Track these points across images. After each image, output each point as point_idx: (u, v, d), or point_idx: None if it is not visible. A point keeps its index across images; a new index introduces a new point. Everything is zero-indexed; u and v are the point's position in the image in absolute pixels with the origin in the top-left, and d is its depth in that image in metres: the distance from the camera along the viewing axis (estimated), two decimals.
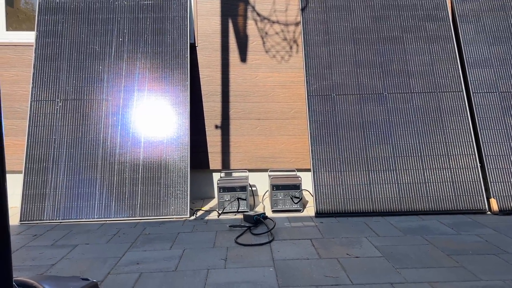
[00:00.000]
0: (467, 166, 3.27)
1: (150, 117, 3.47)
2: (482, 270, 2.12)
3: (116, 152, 3.39)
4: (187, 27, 3.65)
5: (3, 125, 1.42)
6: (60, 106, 3.49)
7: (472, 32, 3.63)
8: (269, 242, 2.59)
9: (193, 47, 3.80)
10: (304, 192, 3.83)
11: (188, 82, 3.53)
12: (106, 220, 3.22)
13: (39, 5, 3.68)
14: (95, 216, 3.22)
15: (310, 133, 3.39)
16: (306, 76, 3.54)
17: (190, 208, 3.42)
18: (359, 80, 3.52)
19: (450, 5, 3.78)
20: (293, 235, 2.74)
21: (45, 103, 3.49)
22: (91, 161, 3.35)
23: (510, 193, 3.17)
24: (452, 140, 3.34)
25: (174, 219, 3.22)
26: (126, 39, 3.64)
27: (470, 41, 3.60)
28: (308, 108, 3.45)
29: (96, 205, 3.25)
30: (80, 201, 3.24)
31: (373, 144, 3.34)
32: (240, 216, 3.25)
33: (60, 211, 3.21)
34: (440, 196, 3.18)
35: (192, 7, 3.79)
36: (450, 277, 2.04)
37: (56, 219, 3.19)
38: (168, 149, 3.40)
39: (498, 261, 2.24)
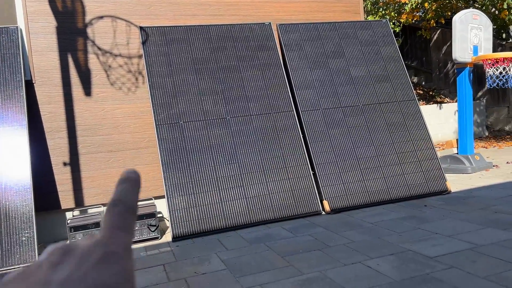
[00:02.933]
0: (302, 175, 3.75)
1: None
2: (306, 266, 2.49)
3: None
4: (20, 64, 3.49)
5: None
6: None
7: (296, 59, 4.20)
8: None
9: (30, 84, 3.63)
10: (163, 219, 3.92)
11: (26, 121, 3.36)
12: None
13: None
14: None
15: (162, 160, 3.51)
16: (153, 106, 3.68)
17: (39, 254, 3.23)
18: (204, 107, 3.78)
19: (277, 36, 4.32)
20: (147, 263, 2.81)
21: None
22: None
23: (338, 194, 3.73)
24: (288, 153, 3.80)
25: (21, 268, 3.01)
26: None
27: (296, 67, 4.17)
28: (158, 137, 3.58)
29: None
30: None
31: (221, 165, 3.61)
32: None
33: None
34: (282, 204, 3.59)
35: (25, 43, 3.63)
36: (279, 277, 2.35)
37: None
38: (8, 194, 3.18)
39: (321, 255, 2.65)
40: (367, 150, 3.98)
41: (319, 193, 3.77)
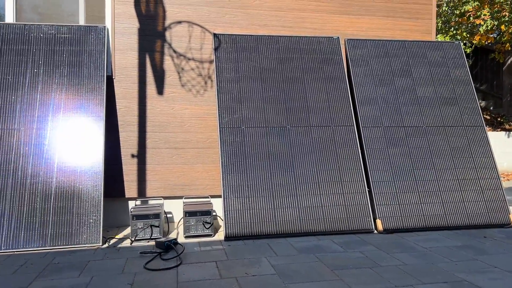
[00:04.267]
0: (357, 191, 3.75)
1: (64, 147, 3.53)
2: (355, 281, 2.51)
3: (27, 182, 3.39)
4: (104, 60, 3.81)
5: None
6: None
7: (361, 74, 4.21)
8: (177, 266, 2.79)
9: (110, 80, 3.95)
10: (217, 217, 4.07)
11: (103, 113, 3.66)
12: (14, 251, 3.18)
13: None
14: (2, 248, 3.17)
15: (222, 162, 3.67)
16: (218, 109, 3.85)
17: (103, 236, 3.50)
18: (266, 115, 3.90)
19: (344, 51, 4.36)
20: (201, 258, 2.96)
21: None
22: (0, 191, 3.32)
23: (392, 214, 3.68)
24: (345, 168, 3.82)
25: (86, 247, 3.28)
26: (41, 70, 3.70)
27: (360, 82, 4.17)
28: (220, 139, 3.75)
29: (3, 235, 3.21)
30: None
31: (277, 172, 3.70)
32: (153, 243, 3.39)
33: None
34: (334, 218, 3.61)
35: (110, 41, 3.96)
36: None
37: None
38: (82, 178, 3.47)
39: (371, 273, 2.65)
40: (427, 172, 3.89)
41: (373, 211, 3.74)
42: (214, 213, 4.13)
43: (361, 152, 3.94)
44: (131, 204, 4.01)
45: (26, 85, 3.64)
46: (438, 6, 9.32)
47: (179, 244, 3.22)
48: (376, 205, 3.71)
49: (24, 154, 3.46)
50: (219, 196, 4.09)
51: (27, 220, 3.28)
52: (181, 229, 3.82)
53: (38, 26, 3.81)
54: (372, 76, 4.23)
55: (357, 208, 3.68)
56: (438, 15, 9.31)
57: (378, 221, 3.66)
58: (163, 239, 3.20)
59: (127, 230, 3.82)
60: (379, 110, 4.09)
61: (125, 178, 3.96)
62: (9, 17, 3.88)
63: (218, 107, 3.86)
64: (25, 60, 3.70)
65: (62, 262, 2.91)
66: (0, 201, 3.29)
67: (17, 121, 3.53)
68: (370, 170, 3.83)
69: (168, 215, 4.05)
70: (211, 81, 4.15)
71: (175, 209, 4.08)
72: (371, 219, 3.67)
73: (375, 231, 3.68)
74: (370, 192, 3.80)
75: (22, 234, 3.24)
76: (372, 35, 4.50)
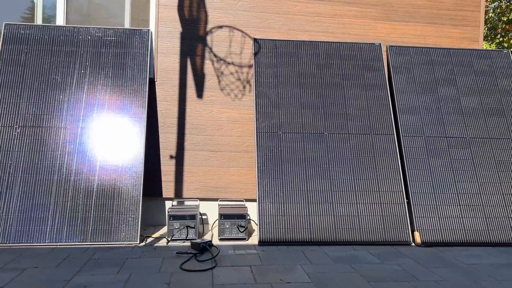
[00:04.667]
0: (395, 201, 3.66)
1: (107, 146, 3.65)
2: None
3: (71, 178, 3.53)
4: (147, 63, 3.91)
5: None
6: (18, 132, 3.60)
7: (403, 82, 4.12)
8: (212, 268, 2.81)
9: (152, 82, 4.05)
10: (251, 221, 4.08)
11: (145, 115, 3.76)
12: (57, 245, 3.32)
13: (3, 35, 3.84)
14: (47, 241, 3.31)
15: (258, 166, 3.68)
16: (256, 114, 3.87)
17: (140, 235, 3.58)
18: (303, 120, 3.88)
19: (385, 57, 4.27)
20: (235, 262, 2.97)
21: (3, 129, 3.59)
22: (45, 186, 3.47)
23: (432, 227, 3.57)
24: (383, 177, 3.73)
25: (124, 245, 3.37)
26: (88, 71, 3.84)
27: (402, 90, 4.08)
28: (257, 144, 3.76)
29: (48, 229, 3.35)
30: (32, 225, 3.34)
31: (313, 179, 3.67)
32: (188, 243, 3.44)
33: (11, 235, 3.29)
34: (370, 228, 3.53)
35: (153, 45, 4.07)
36: None
37: (6, 243, 3.26)
38: (123, 177, 3.58)
39: (408, 287, 2.57)
40: (470, 186, 3.75)
41: (411, 223, 3.64)
42: (248, 217, 4.15)
43: (400, 162, 3.84)
44: (168, 204, 4.09)
45: (73, 85, 3.79)
46: (485, 12, 9.00)
47: (214, 246, 3.25)
48: (415, 217, 3.61)
49: (69, 152, 3.60)
50: (253, 200, 4.10)
51: (70, 215, 3.41)
52: (215, 231, 3.86)
53: (86, 28, 3.97)
54: (414, 84, 4.12)
55: (395, 219, 3.59)
56: (484, 22, 9.00)
57: (416, 234, 3.56)
58: (198, 241, 3.24)
59: (163, 230, 3.90)
60: (421, 119, 3.98)
61: (163, 178, 4.04)
62: (60, 20, 4.06)
63: (256, 112, 3.88)
64: (73, 61, 3.86)
65: (102, 258, 3.00)
66: (46, 196, 3.44)
67: (64, 120, 3.68)
68: (409, 181, 3.73)
69: (203, 217, 4.10)
70: (249, 85, 4.18)
71: (210, 210, 4.12)
72: (409, 231, 3.57)
73: (413, 244, 3.57)
74: (408, 203, 3.70)
75: (65, 228, 3.36)
76: (415, 42, 4.39)
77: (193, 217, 3.52)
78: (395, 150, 3.85)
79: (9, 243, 3.27)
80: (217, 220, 4.03)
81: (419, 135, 3.91)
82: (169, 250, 3.25)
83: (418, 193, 3.70)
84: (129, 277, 2.61)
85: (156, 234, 3.72)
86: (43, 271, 2.70)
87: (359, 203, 3.63)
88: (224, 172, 4.12)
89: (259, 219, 3.50)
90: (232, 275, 2.68)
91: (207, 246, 3.18)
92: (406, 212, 3.63)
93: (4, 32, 3.84)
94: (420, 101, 4.05)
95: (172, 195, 4.06)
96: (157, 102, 4.07)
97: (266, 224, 3.48)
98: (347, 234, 3.50)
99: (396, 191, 3.70)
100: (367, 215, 3.58)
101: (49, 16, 4.12)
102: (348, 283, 2.61)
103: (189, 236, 3.50)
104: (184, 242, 3.48)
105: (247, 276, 2.67)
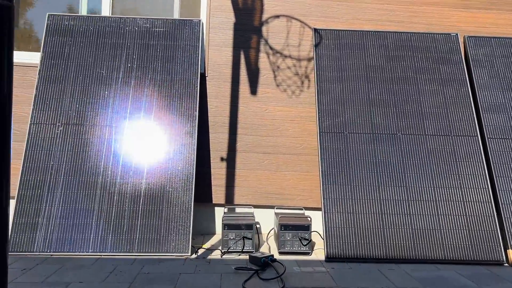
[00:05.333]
0: (482, 213, 3.14)
1: (155, 146, 3.32)
2: None
3: (116, 181, 3.21)
4: (198, 56, 3.57)
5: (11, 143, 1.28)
6: (60, 130, 3.32)
7: (486, 77, 3.60)
8: None
9: (202, 77, 3.71)
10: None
11: (197, 112, 3.41)
12: (101, 255, 3.00)
13: (47, 26, 3.59)
14: (90, 250, 3.00)
15: (322, 170, 3.26)
16: (318, 112, 3.45)
17: (192, 246, 3.22)
18: (372, 119, 3.44)
19: (463, 50, 3.77)
20: (304, 282, 2.55)
21: (45, 127, 3.32)
22: (89, 190, 3.17)
23: None
24: (467, 185, 3.23)
25: (174, 256, 3.01)
26: (135, 65, 3.53)
27: (484, 85, 3.57)
28: (320, 145, 3.34)
29: (91, 237, 3.03)
30: (74, 232, 3.03)
31: (386, 185, 3.21)
32: (244, 256, 3.05)
33: (53, 242, 2.99)
34: (455, 244, 3.04)
35: (204, 37, 3.72)
36: None
37: (47, 251, 2.96)
38: (172, 181, 3.23)
39: None
40: None
41: (503, 238, 3.12)
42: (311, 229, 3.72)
43: (487, 168, 3.32)
44: (217, 210, 3.72)
45: (119, 80, 3.49)
46: None
47: (277, 261, 2.84)
48: (507, 232, 3.09)
49: (115, 153, 3.29)
50: (312, 209, 3.68)
51: (116, 222, 3.09)
52: (271, 242, 3.45)
53: (134, 19, 3.67)
54: (498, 79, 3.60)
55: (483, 235, 3.08)
56: None
57: (510, 252, 3.03)
58: (258, 254, 2.84)
59: (214, 239, 3.52)
60: (509, 119, 3.45)
61: (213, 182, 3.68)
62: (106, 10, 3.78)
63: (318, 110, 3.46)
64: (119, 54, 3.56)
65: (153, 273, 2.64)
66: (89, 200, 3.13)
67: (109, 117, 3.38)
68: (499, 190, 3.21)
69: (257, 226, 3.71)
70: (308, 80, 3.76)
71: (263, 219, 3.72)
72: (501, 248, 3.05)
73: (506, 264, 3.05)
74: (499, 216, 3.18)
75: (110, 237, 3.04)
76: (498, 33, 3.86)
77: (250, 226, 3.13)
78: (480, 154, 3.34)
79: (50, 251, 2.97)
80: (273, 230, 3.63)
81: (508, 138, 3.39)
82: (225, 264, 2.87)
83: (509, 204, 3.17)
84: None
85: (207, 245, 3.35)
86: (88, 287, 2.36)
87: (440, 214, 3.13)
88: (279, 176, 3.71)
89: (325, 232, 3.06)
90: None
91: (269, 261, 2.77)
92: (496, 227, 3.11)
93: (47, 24, 3.59)
94: (506, 98, 3.53)
95: (222, 201, 3.68)
96: (208, 99, 3.71)
97: (334, 237, 3.04)
98: (428, 250, 3.01)
99: (482, 201, 3.19)
100: (450, 229, 3.09)
101: (94, 7, 3.85)
102: None
103: (246, 248, 3.10)
104: (239, 254, 3.09)
105: None
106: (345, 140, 3.36)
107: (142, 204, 3.16)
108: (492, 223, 3.12)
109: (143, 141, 3.33)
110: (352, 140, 3.36)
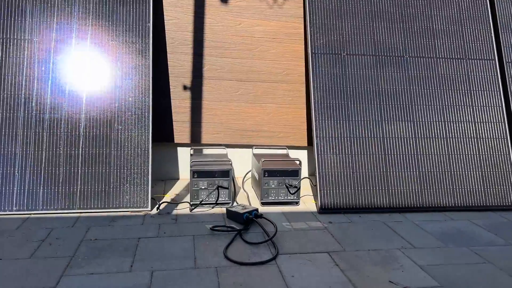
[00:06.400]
0: (497, 151, 2.69)
1: (97, 70, 2.48)
2: None
3: (45, 117, 2.39)
4: None
5: None
6: None
7: None
8: (274, 258, 1.84)
9: None
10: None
11: (151, 24, 2.56)
12: (30, 213, 2.27)
13: None
14: (14, 208, 2.26)
15: (314, 101, 2.61)
16: (310, 27, 2.71)
17: (152, 198, 2.56)
18: (375, 37, 2.76)
19: None
20: (302, 244, 2.00)
21: None
22: (8, 128, 2.34)
23: None
24: (481, 119, 2.73)
25: (129, 213, 2.35)
26: None
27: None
28: (312, 70, 2.65)
29: (15, 191, 2.28)
30: None
31: (391, 120, 2.64)
32: (219, 210, 2.45)
33: None
34: (467, 188, 2.59)
35: None
36: None
37: None
38: (122, 115, 2.46)
39: None
40: None
41: None
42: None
43: (504, 98, 2.82)
44: (181, 151, 3.03)
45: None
46: None
47: (263, 217, 2.25)
48: None
49: (40, 77, 2.42)
50: (297, 148, 3.10)
51: (48, 171, 2.33)
52: (248, 189, 2.87)
53: None
54: None
55: (497, 176, 2.66)
56: None
57: None
58: (238, 209, 2.25)
59: (178, 186, 2.88)
60: None
61: (175, 117, 2.94)
62: None
63: (310, 24, 2.71)
64: None
65: (101, 239, 1.98)
66: (9, 143, 2.32)
67: (28, 29, 2.45)
68: None
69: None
70: None
71: (238, 161, 3.09)
72: None
73: None
74: None
75: (41, 190, 2.30)
76: None
77: (226, 173, 2.49)
78: (498, 81, 2.81)
79: None
80: (249, 173, 3.04)
81: None
82: (196, 221, 2.26)
83: None
84: (152, 280, 1.62)
85: (170, 194, 2.71)
86: (10, 267, 1.67)
87: (451, 153, 2.65)
88: (257, 109, 3.03)
89: (319, 177, 2.50)
90: (311, 273, 1.72)
91: (253, 217, 2.19)
92: (509, 166, 2.69)
93: None
94: None
95: (187, 140, 2.98)
96: (164, 7, 2.83)
97: (329, 184, 2.49)
98: (437, 197, 2.56)
99: (498, 138, 2.73)
100: (462, 170, 2.62)
101: None
102: (493, 286, 1.68)
103: (221, 200, 2.49)
104: (213, 207, 2.48)
105: (335, 275, 1.72)
106: (342, 63, 2.69)
107: (82, 146, 2.40)
108: (507, 162, 2.68)
109: (80, 62, 2.47)
110: (351, 64, 2.70)
